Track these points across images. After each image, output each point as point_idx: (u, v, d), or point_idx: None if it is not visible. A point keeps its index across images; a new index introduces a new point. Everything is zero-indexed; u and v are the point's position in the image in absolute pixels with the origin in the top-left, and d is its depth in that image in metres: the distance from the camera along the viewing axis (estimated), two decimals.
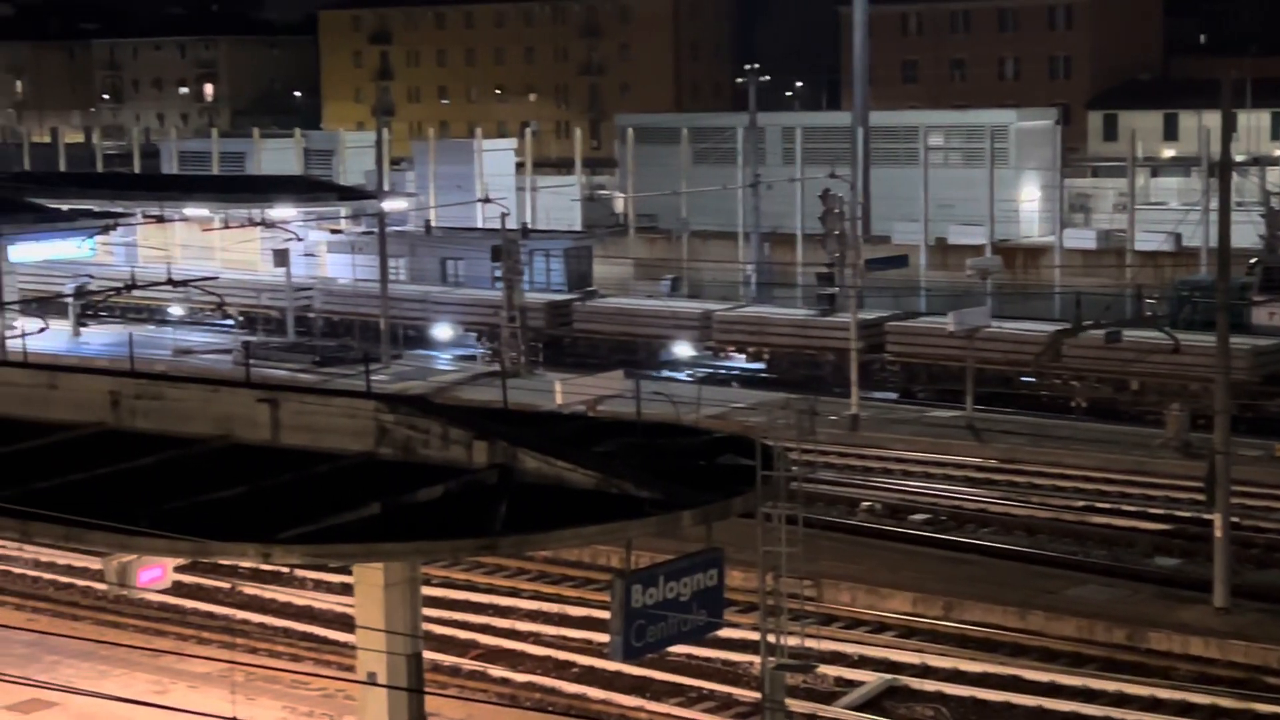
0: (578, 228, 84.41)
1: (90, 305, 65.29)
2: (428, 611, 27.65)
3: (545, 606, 32.49)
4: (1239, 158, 74.22)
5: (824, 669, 27.16)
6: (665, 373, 55.99)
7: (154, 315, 69.15)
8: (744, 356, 57.11)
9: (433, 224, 74.21)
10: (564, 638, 30.61)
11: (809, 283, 64.84)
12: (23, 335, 40.60)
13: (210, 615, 32.53)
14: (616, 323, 58.99)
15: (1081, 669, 28.39)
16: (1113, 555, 34.85)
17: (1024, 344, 50.61)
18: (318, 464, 23.09)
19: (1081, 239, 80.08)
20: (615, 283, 71.90)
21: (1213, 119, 77.71)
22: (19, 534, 22.88)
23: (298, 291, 65.36)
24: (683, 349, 57.49)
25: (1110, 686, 27.45)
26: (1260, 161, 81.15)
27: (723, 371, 57.69)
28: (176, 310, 66.94)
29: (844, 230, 50.04)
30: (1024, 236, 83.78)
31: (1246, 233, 54.41)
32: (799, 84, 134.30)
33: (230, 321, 67.43)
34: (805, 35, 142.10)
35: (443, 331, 60.08)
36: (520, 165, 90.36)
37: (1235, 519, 31.93)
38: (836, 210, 50.05)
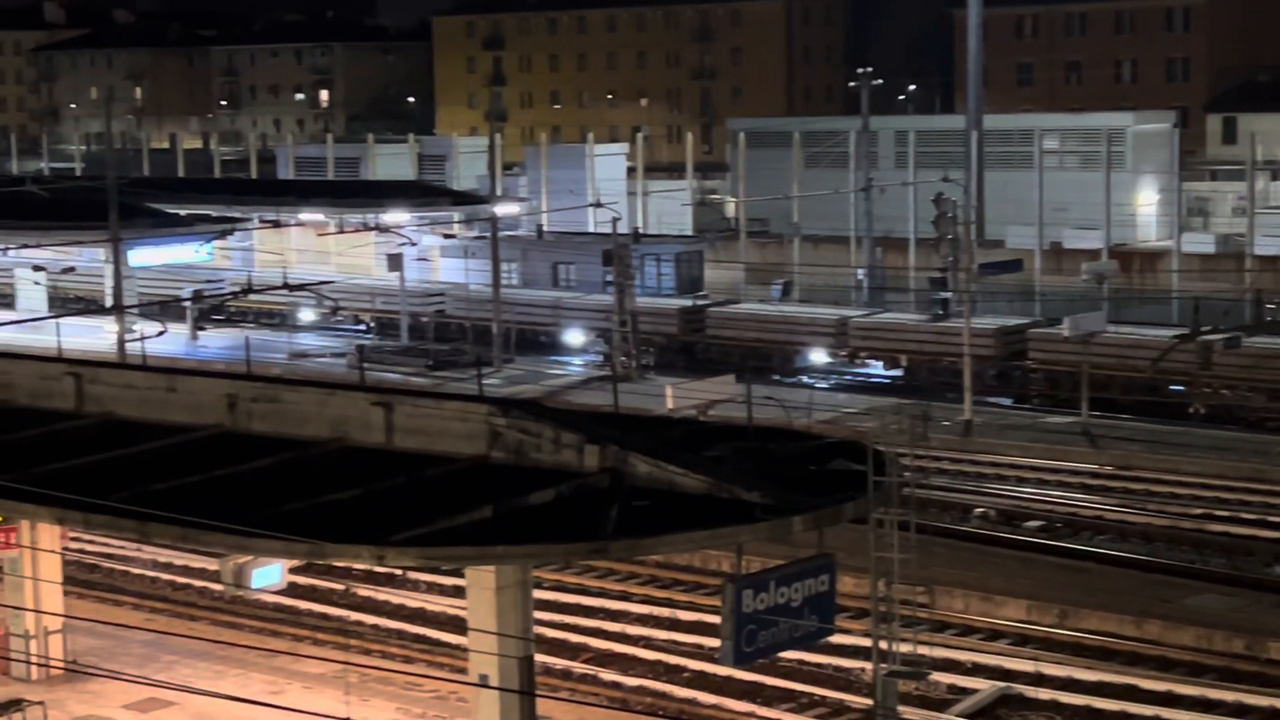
0: (689, 232, 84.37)
1: (208, 309, 66.10)
2: (539, 615, 27.76)
3: (656, 611, 32.48)
4: None
5: (937, 676, 26.94)
6: (801, 378, 55.47)
7: (271, 319, 69.86)
8: (880, 363, 56.54)
9: (544, 228, 74.47)
10: (675, 642, 30.58)
11: (921, 287, 64.44)
12: (142, 339, 41.19)
13: (325, 616, 32.81)
14: (750, 329, 58.56)
15: (1199, 679, 27.98)
16: (1231, 563, 34.34)
17: (1141, 349, 50.00)
18: (431, 467, 23.26)
19: (1200, 243, 78.96)
20: (726, 287, 71.75)
21: None
22: (138, 534, 23.24)
23: (428, 297, 65.71)
24: (817, 355, 57.00)
25: (1229, 696, 27.03)
26: None
27: (856, 379, 56.93)
28: (306, 315, 67.51)
29: (957, 234, 49.68)
30: (1141, 241, 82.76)
31: None
32: (912, 87, 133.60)
33: (359, 326, 67.90)
34: (918, 38, 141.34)
35: (574, 337, 60.05)
36: (631, 170, 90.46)
37: None
38: (949, 214, 49.70)
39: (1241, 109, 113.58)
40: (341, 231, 65.61)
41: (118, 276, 53.32)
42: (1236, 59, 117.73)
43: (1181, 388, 49.29)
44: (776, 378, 54.34)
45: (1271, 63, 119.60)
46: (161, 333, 45.20)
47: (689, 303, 61.62)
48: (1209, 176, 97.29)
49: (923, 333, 54.32)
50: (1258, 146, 77.84)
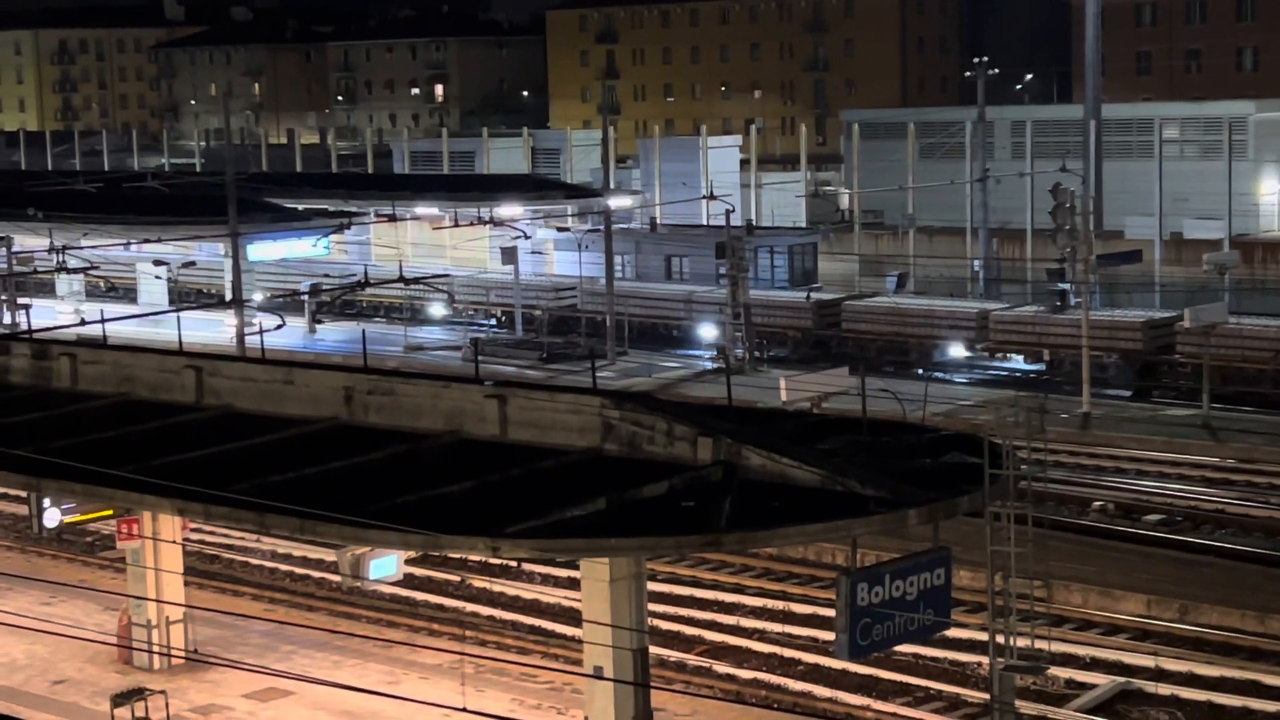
0: (802, 224, 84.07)
1: (326, 302, 66.76)
2: (653, 607, 27.81)
3: (770, 603, 32.42)
4: None
5: (1054, 671, 26.67)
6: (938, 374, 54.86)
7: (393, 313, 70.46)
8: (1021, 357, 55.86)
9: (658, 221, 74.53)
10: (789, 635, 30.50)
11: (1039, 279, 63.74)
12: (261, 331, 41.66)
13: (441, 608, 33.03)
14: (887, 323, 58.05)
15: None
16: None
17: (1264, 340, 49.25)
18: (544, 459, 23.34)
19: None
20: (840, 279, 71.45)
21: None
22: (256, 525, 23.51)
23: (560, 291, 65.96)
24: (957, 350, 56.40)
25: None
26: None
27: (1001, 373, 56.27)
28: (438, 310, 67.98)
29: (1075, 225, 49.13)
30: (1263, 231, 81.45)
31: None
32: (1029, 77, 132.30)
33: (489, 321, 68.23)
34: (1035, 27, 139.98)
35: (708, 331, 59.93)
36: (745, 162, 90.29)
37: None
38: (1067, 204, 49.15)
39: None
40: (456, 225, 65.97)
41: (237, 271, 53.97)
42: None
43: None
44: (888, 370, 53.96)
45: None
46: (280, 326, 45.64)
47: (826, 296, 61.23)
48: None
49: (1063, 326, 53.35)
50: None
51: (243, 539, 37.21)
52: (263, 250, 63.64)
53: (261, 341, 40.19)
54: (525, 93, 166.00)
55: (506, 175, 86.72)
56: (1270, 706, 26.39)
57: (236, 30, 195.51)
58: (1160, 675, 27.77)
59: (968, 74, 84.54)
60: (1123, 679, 27.65)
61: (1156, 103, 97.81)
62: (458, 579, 34.37)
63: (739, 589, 33.56)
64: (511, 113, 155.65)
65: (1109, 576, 32.04)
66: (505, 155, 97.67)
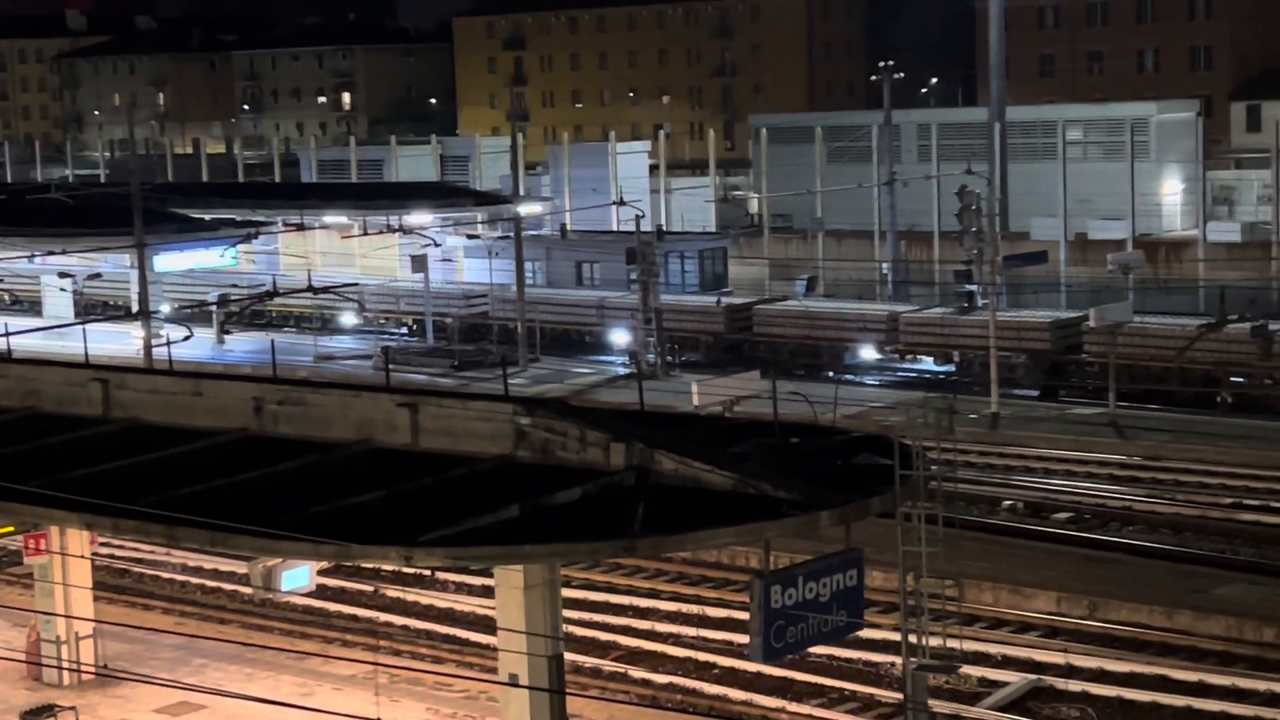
0: (712, 229, 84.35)
1: (234, 313, 66.29)
2: (568, 613, 27.80)
3: (685, 608, 32.49)
4: None
5: (967, 669, 26.85)
6: (848, 377, 55.16)
7: (301, 323, 70.04)
8: (931, 359, 56.28)
9: (568, 228, 74.54)
10: (704, 639, 30.59)
11: (946, 281, 64.26)
12: (168, 343, 41.31)
13: (354, 618, 32.88)
14: (798, 326, 58.28)
15: (1230, 668, 27.89)
16: (1261, 553, 34.20)
17: (1167, 339, 49.87)
18: (456, 467, 23.28)
19: (1225, 232, 78.67)
20: (751, 283, 71.70)
21: None
22: (166, 539, 23.30)
23: (471, 298, 65.75)
24: (867, 352, 56.73)
25: (1260, 686, 26.94)
26: None
27: (911, 375, 56.61)
28: (349, 319, 67.59)
29: (981, 227, 49.56)
30: (1166, 231, 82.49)
31: None
32: (934, 80, 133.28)
33: (400, 329, 67.93)
34: (940, 31, 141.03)
35: (620, 337, 59.93)
36: (654, 167, 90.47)
37: None
38: (974, 207, 49.59)
39: (1265, 97, 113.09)
40: (365, 234, 65.71)
41: (143, 282, 53.48)
42: (1260, 46, 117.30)
43: (1243, 379, 48.99)
44: (799, 373, 54.21)
45: None
46: (188, 337, 45.30)
47: (737, 300, 61.45)
48: (1234, 165, 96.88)
49: (973, 327, 53.78)
50: None
51: (152, 553, 36.88)
52: (169, 261, 63.12)
53: (169, 353, 39.87)
54: (433, 100, 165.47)
55: (415, 183, 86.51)
56: (1179, 701, 26.73)
57: (140, 40, 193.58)
58: (1071, 672, 28.06)
59: (874, 78, 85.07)
60: (1034, 676, 27.92)
61: (1060, 105, 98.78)
62: (371, 589, 34.23)
63: (653, 594, 33.62)
64: (420, 120, 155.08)
65: (1019, 575, 32.34)
66: (414, 163, 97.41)
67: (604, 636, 30.90)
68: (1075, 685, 27.52)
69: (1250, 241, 76.26)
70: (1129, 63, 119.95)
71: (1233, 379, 49.24)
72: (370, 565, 32.56)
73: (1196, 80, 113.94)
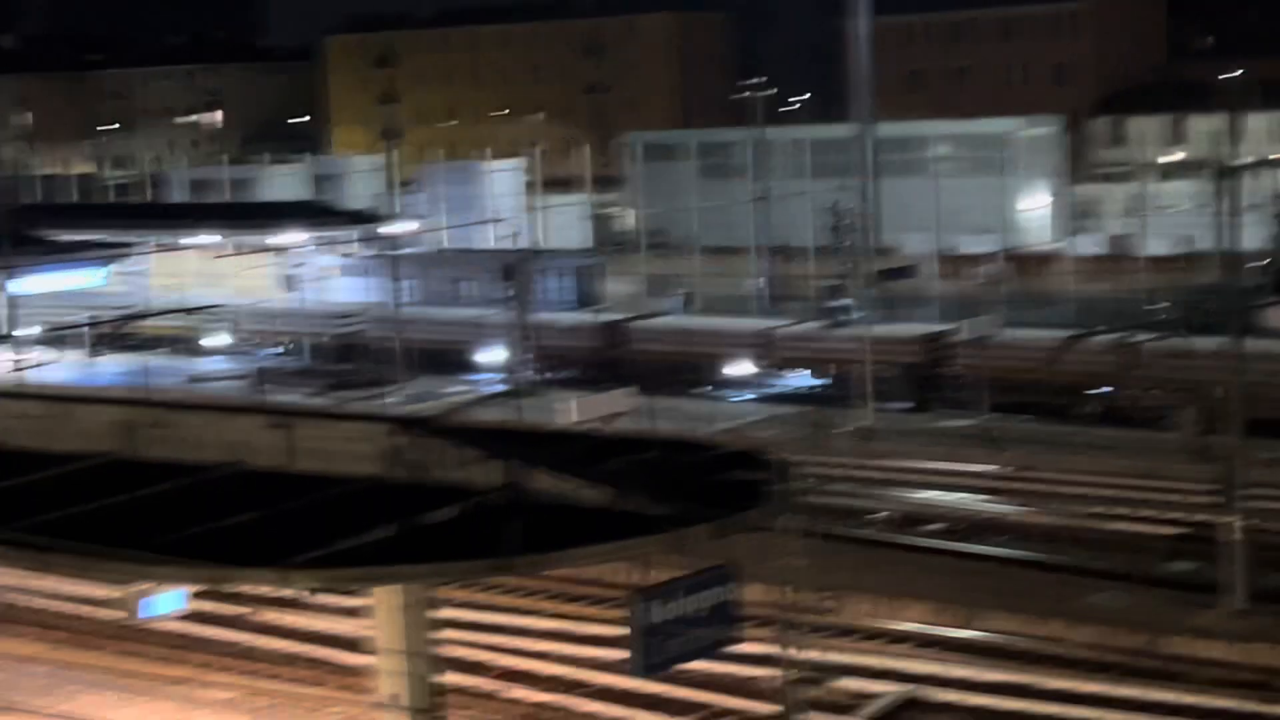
0: (588, 246, 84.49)
1: (104, 335, 65.45)
2: (445, 633, 27.70)
3: (562, 625, 32.50)
4: (1246, 160, 74.19)
5: (842, 681, 27.12)
6: (724, 392, 55.41)
7: (169, 344, 69.24)
8: (806, 373, 56.64)
9: (443, 246, 74.34)
10: (582, 656, 30.60)
11: (820, 295, 64.78)
12: (37, 366, 40.74)
13: (229, 642, 32.56)
14: (674, 342, 58.43)
15: (1100, 675, 28.34)
16: (1130, 561, 34.75)
17: (1036, 350, 50.61)
18: (331, 488, 23.15)
19: (1090, 245, 79.99)
20: (627, 300, 71.89)
21: (1218, 122, 78.01)
22: (37, 565, 22.97)
23: (345, 318, 65.31)
24: (742, 367, 56.99)
25: (1129, 693, 27.39)
26: (1267, 163, 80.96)
27: (784, 389, 56.97)
28: (221, 340, 66.88)
29: (853, 242, 50.09)
30: (1034, 244, 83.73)
31: (1256, 235, 54.38)
32: (805, 96, 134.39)
33: (275, 349, 67.31)
34: (810, 48, 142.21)
35: (493, 355, 59.78)
36: (529, 184, 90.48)
37: (1251, 521, 31.84)
38: (845, 222, 50.10)
39: (1129, 111, 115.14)
40: (238, 254, 65.19)
41: (8, 305, 52.67)
42: (1122, 63, 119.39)
43: (1109, 389, 49.80)
44: (676, 389, 54.41)
45: (1156, 65, 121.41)
46: (56, 360, 44.70)
47: (614, 317, 61.57)
48: (1099, 179, 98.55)
49: (848, 341, 54.26)
50: (1145, 148, 79.01)
51: (21, 578, 36.26)
52: (36, 283, 62.20)
53: (36, 376, 39.33)
54: (305, 119, 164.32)
55: (288, 202, 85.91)
56: (1050, 709, 27.10)
57: (4, 59, 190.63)
58: (944, 682, 28.36)
59: (746, 95, 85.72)
60: (909, 686, 28.19)
61: (929, 121, 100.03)
62: (247, 611, 33.90)
63: (530, 612, 33.59)
64: (292, 140, 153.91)
65: (892, 586, 32.64)
66: (286, 182, 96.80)
67: (482, 655, 30.82)
68: (949, 695, 27.82)
69: (1116, 254, 77.57)
70: (995, 79, 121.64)
71: (1099, 389, 50.05)
72: (245, 588, 32.25)
73: (1061, 95, 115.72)
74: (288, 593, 32.69)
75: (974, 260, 73.33)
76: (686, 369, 57.59)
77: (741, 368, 57.07)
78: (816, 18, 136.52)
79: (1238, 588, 30.32)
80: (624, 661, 21.91)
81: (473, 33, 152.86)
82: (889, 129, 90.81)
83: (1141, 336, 49.83)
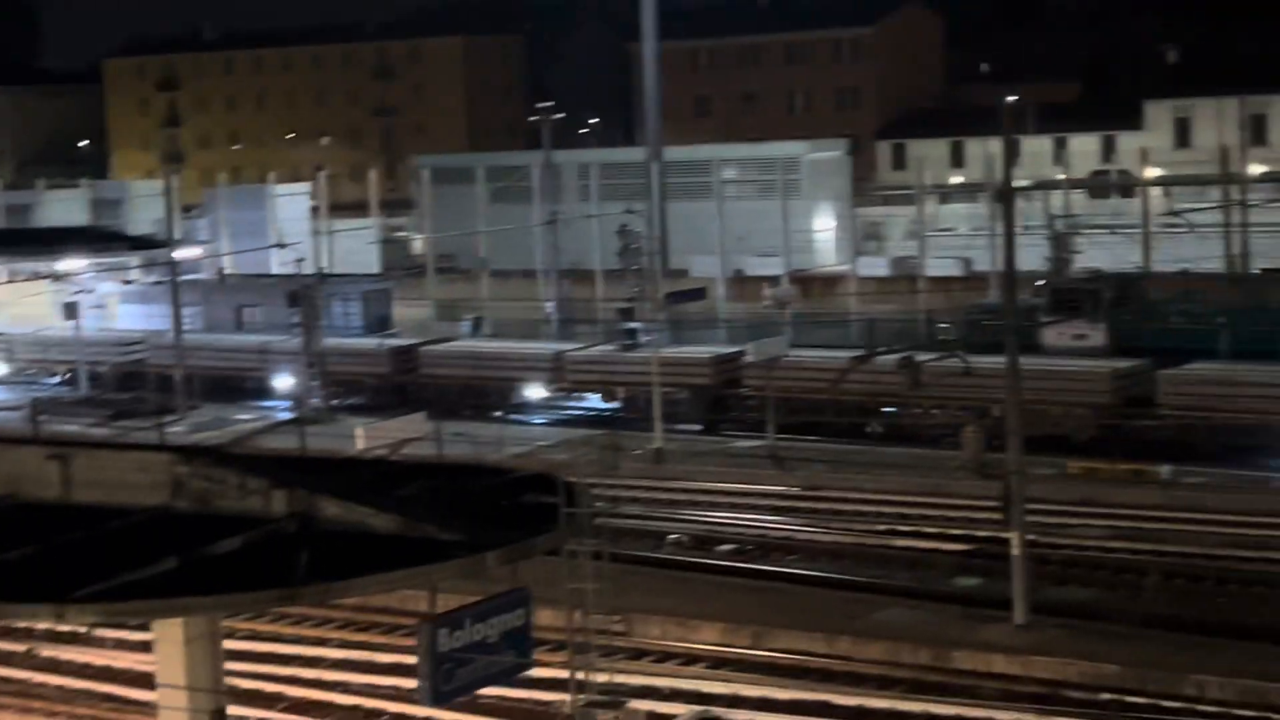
0: (376, 270, 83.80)
1: None
2: (232, 665, 27.15)
3: (353, 654, 32.08)
4: (1023, 183, 76.10)
5: (635, 704, 27.07)
6: (516, 416, 55.21)
7: None
8: (597, 396, 56.68)
9: (227, 272, 73.21)
10: (373, 685, 30.22)
11: (610, 319, 64.99)
12: None
13: (5, 680, 31.59)
14: (464, 367, 58.04)
15: (889, 691, 28.69)
16: (916, 577, 35.31)
17: (823, 371, 51.26)
18: (111, 519, 22.57)
19: (875, 266, 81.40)
20: (416, 324, 71.41)
21: (997, 145, 79.89)
22: None
23: (126, 346, 63.80)
24: (534, 391, 56.82)
25: (917, 708, 27.76)
26: (1044, 185, 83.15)
27: (576, 412, 56.97)
28: None
29: (642, 265, 50.32)
30: (819, 265, 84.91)
31: (1034, 256, 55.69)
32: (594, 121, 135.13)
33: (53, 380, 65.59)
34: (599, 72, 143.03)
35: (281, 382, 58.80)
36: (315, 209, 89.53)
37: (1032, 537, 32.54)
38: (634, 245, 50.33)
39: (910, 135, 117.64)
40: (13, 281, 63.52)
41: None
42: (903, 87, 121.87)
43: (893, 409, 50.53)
44: (467, 414, 54.14)
45: (936, 90, 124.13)
46: None
47: (403, 342, 61.10)
48: (882, 202, 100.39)
49: (636, 364, 54.43)
50: (926, 171, 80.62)
51: None
52: None
53: None
54: (84, 143, 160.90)
55: (66, 228, 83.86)
56: None
57: None
58: (736, 701, 28.51)
59: (533, 119, 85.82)
60: (701, 707, 28.26)
61: (716, 144, 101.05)
62: (24, 649, 32.93)
63: (320, 642, 33.11)
64: (70, 164, 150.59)
65: (685, 607, 32.77)
66: (64, 208, 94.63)
67: (270, 688, 30.28)
68: (741, 715, 27.96)
69: (899, 275, 79.00)
70: (781, 103, 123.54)
71: (883, 409, 50.87)
72: (22, 624, 31.36)
73: (845, 120, 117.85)
74: (68, 628, 31.86)
75: (761, 282, 74.11)
76: (477, 393, 57.35)
77: (533, 391, 56.98)
78: (606, 43, 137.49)
79: (1022, 602, 30.92)
80: (416, 690, 21.64)
81: (257, 56, 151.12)
82: (677, 153, 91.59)
83: (925, 356, 50.73)
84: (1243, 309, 51.89)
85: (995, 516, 35.33)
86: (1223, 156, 76.14)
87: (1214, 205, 66.82)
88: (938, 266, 74.94)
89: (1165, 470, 42.95)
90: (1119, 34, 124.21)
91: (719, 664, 30.54)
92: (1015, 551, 31.21)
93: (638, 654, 30.56)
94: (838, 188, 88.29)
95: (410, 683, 28.12)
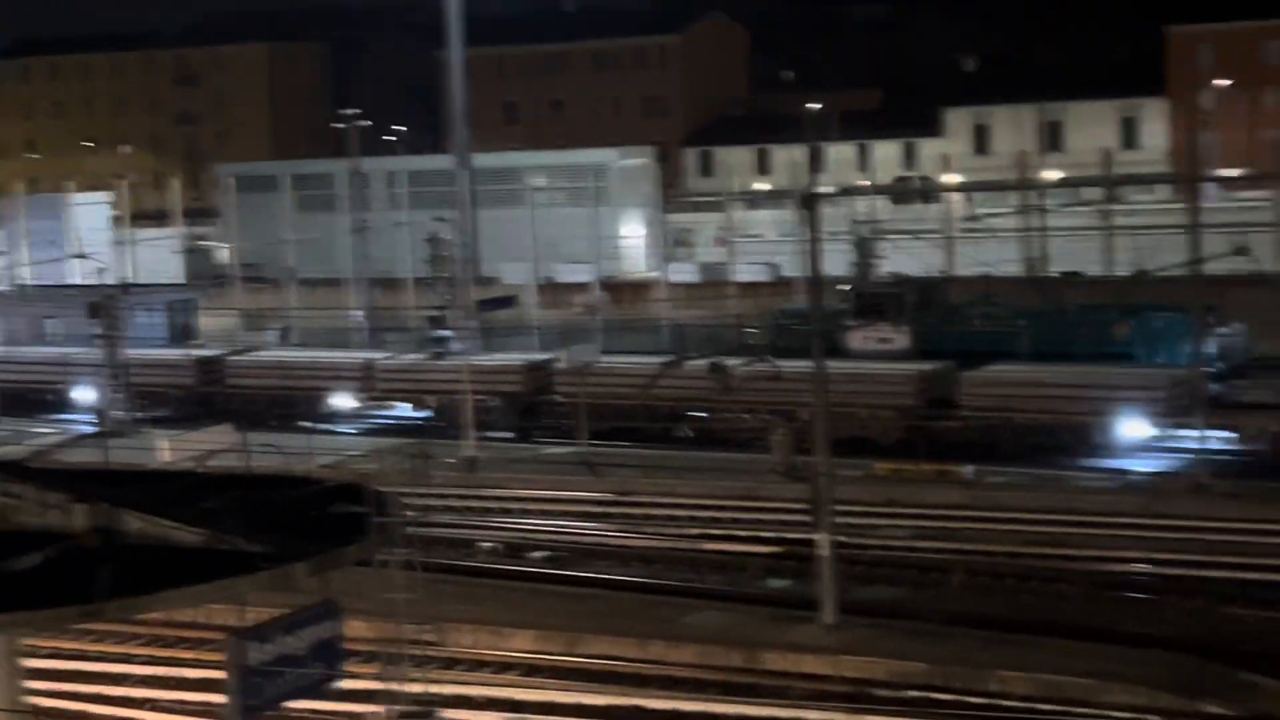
0: (180, 280, 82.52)
1: None
2: (34, 684, 26.56)
3: (160, 670, 31.54)
4: (827, 189, 77.13)
5: (448, 713, 27.01)
6: (326, 426, 54.60)
7: None
8: (409, 405, 56.27)
9: (25, 283, 71.61)
10: (181, 701, 29.75)
11: (420, 327, 64.69)
12: None
13: None
14: (273, 377, 57.26)
15: (702, 694, 28.88)
16: (728, 580, 35.63)
17: (634, 377, 51.50)
18: None
19: (684, 273, 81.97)
20: (223, 335, 70.44)
21: (801, 152, 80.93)
22: None
23: None
24: (344, 401, 56.22)
25: (730, 710, 27.98)
26: (848, 192, 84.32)
27: (387, 421, 56.57)
28: None
29: (453, 273, 50.16)
30: (630, 272, 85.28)
31: (839, 261, 56.43)
32: (402, 128, 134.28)
33: None
34: (406, 79, 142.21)
35: (83, 394, 57.53)
36: (117, 219, 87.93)
37: (841, 538, 32.96)
38: (444, 253, 50.15)
39: (717, 143, 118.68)
40: None
41: None
42: (710, 95, 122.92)
43: (703, 414, 50.83)
44: (275, 424, 53.52)
45: (742, 98, 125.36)
46: None
47: (209, 353, 60.17)
48: (690, 208, 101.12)
49: (447, 372, 54.17)
50: (733, 178, 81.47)
51: None
52: None
53: None
54: None
55: None
56: None
57: None
58: (550, 709, 28.51)
59: (339, 126, 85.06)
60: (515, 715, 28.24)
61: (525, 152, 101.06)
62: None
63: (127, 658, 32.51)
64: None
65: (498, 615, 32.70)
66: None
67: (74, 706, 29.67)
68: None
69: (707, 281, 79.65)
70: (589, 110, 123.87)
71: (694, 414, 51.22)
72: None
73: (653, 127, 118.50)
74: None
75: (572, 289, 74.26)
76: (286, 404, 56.70)
77: (343, 401, 56.50)
78: (412, 50, 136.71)
79: (831, 602, 31.32)
80: (225, 706, 21.36)
81: (52, 63, 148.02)
82: (486, 160, 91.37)
83: (734, 361, 51.17)
84: (1041, 311, 53.02)
85: (805, 519, 35.80)
86: (1020, 162, 77.87)
87: (1012, 210, 68.27)
88: (746, 272, 75.70)
89: (968, 470, 43.79)
90: (918, 43, 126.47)
91: (532, 671, 30.52)
92: (824, 553, 31.61)
93: (450, 663, 30.43)
94: (646, 195, 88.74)
95: (220, 698, 27.75)
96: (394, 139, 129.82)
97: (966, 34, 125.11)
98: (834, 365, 38.98)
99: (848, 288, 55.05)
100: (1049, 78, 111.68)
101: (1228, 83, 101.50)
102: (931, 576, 35.03)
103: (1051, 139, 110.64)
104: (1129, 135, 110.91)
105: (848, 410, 46.24)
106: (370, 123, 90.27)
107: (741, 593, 34.25)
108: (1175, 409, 45.54)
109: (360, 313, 73.84)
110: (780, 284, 74.11)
